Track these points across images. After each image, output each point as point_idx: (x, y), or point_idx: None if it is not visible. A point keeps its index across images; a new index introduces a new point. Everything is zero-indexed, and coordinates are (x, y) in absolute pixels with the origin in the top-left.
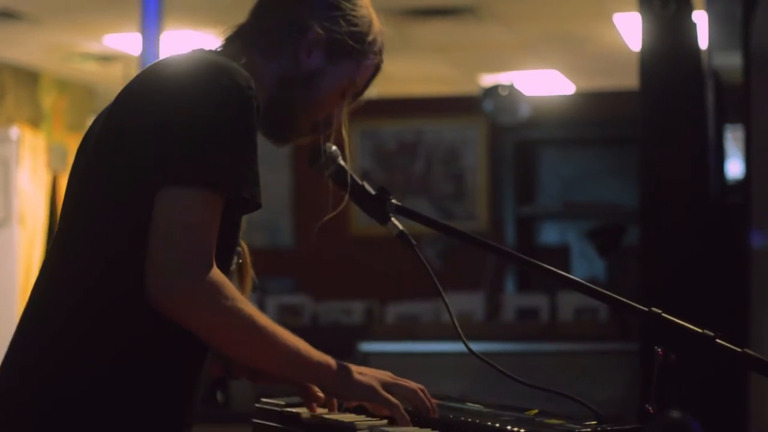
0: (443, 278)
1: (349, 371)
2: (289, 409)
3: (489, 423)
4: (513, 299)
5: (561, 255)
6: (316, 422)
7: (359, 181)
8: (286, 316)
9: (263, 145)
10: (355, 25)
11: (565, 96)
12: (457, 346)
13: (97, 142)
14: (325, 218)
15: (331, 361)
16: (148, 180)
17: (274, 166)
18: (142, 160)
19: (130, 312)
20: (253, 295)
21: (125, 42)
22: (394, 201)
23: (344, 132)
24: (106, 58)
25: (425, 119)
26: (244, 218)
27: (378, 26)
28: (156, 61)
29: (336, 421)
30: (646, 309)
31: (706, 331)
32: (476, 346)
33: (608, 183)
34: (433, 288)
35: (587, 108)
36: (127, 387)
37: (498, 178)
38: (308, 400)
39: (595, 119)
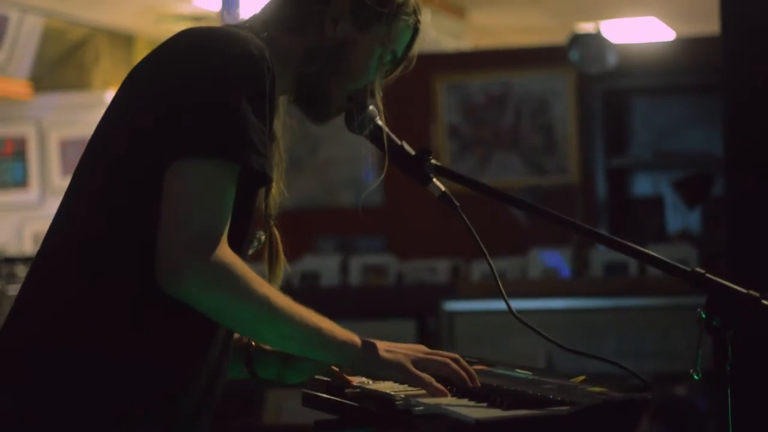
0: (529, 235)
1: (376, 349)
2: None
3: (529, 391)
4: (601, 254)
5: (655, 206)
6: (357, 393)
7: (398, 142)
8: (371, 276)
9: None
10: None
11: (655, 43)
12: (543, 303)
13: (109, 111)
14: (371, 186)
15: (356, 339)
16: (159, 154)
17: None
18: (152, 135)
19: (136, 297)
20: (338, 255)
21: (214, 1)
22: (433, 161)
23: (377, 99)
24: (198, 19)
25: (513, 71)
26: (273, 200)
27: None
28: (179, 32)
29: (375, 390)
30: (688, 269)
31: (751, 292)
32: (563, 303)
33: (701, 132)
34: (479, 249)
35: (679, 55)
36: (131, 369)
37: (588, 129)
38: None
39: (687, 66)
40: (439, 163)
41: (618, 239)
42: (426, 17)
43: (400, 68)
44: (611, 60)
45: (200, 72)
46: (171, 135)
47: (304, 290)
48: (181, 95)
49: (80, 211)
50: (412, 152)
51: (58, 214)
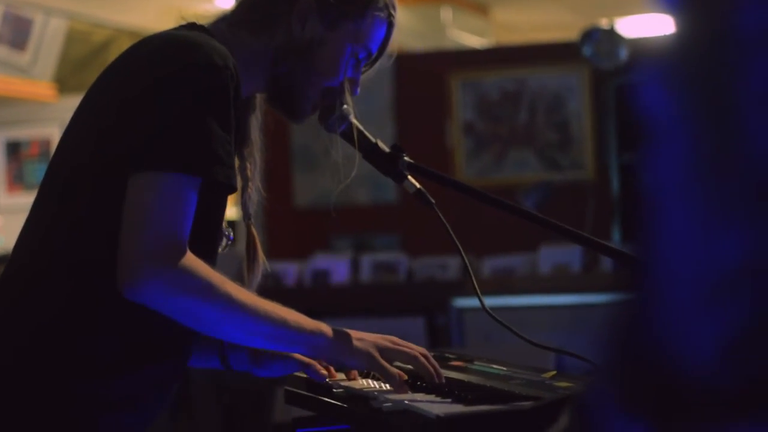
0: (540, 230)
1: (345, 338)
2: None
3: (496, 386)
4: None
5: None
6: (331, 387)
7: (372, 139)
8: (381, 273)
9: (364, 100)
10: None
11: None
12: (553, 299)
13: (75, 119)
14: (339, 188)
15: (325, 328)
16: (121, 164)
17: (376, 120)
18: (115, 144)
19: (104, 303)
20: (349, 253)
21: None
22: (407, 158)
23: (348, 98)
24: None
25: (527, 68)
26: (250, 199)
27: None
28: (142, 38)
29: (350, 387)
30: None
31: None
32: (572, 298)
33: None
34: (454, 247)
35: None
36: (100, 377)
37: (603, 125)
38: (315, 376)
39: None
40: (412, 161)
41: (592, 238)
42: (447, 14)
43: (378, 63)
44: (624, 55)
45: (163, 83)
46: (133, 146)
47: (315, 288)
48: (144, 106)
49: (46, 220)
50: (386, 150)
51: (26, 224)
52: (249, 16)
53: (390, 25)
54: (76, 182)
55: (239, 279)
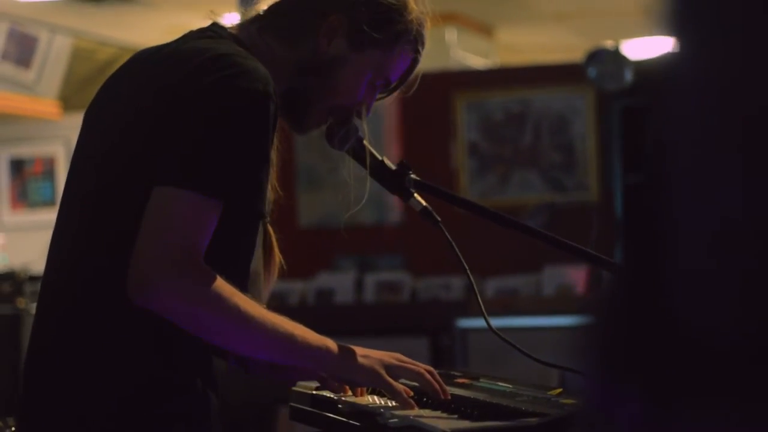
0: (544, 251)
1: (351, 355)
2: (318, 392)
3: (502, 403)
4: None
5: None
6: (339, 406)
7: (378, 157)
8: (385, 293)
9: (368, 119)
10: (381, 12)
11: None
12: (557, 320)
13: (99, 122)
14: (351, 211)
15: (331, 345)
16: (148, 176)
17: (380, 140)
18: (145, 157)
19: (121, 311)
20: (353, 272)
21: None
22: (413, 176)
23: (363, 124)
24: None
25: (532, 89)
26: (267, 198)
27: (415, 14)
28: (180, 45)
29: (356, 403)
30: None
31: None
32: (576, 320)
33: None
34: (460, 266)
35: None
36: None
37: (607, 146)
38: (330, 387)
39: None
40: (418, 178)
41: (598, 254)
42: (451, 35)
43: (394, 93)
44: (629, 77)
45: (202, 104)
46: (165, 161)
47: (319, 307)
48: (181, 125)
49: (73, 232)
50: (393, 167)
51: (53, 238)
52: (278, 23)
53: (414, 61)
54: (104, 191)
55: (255, 278)
